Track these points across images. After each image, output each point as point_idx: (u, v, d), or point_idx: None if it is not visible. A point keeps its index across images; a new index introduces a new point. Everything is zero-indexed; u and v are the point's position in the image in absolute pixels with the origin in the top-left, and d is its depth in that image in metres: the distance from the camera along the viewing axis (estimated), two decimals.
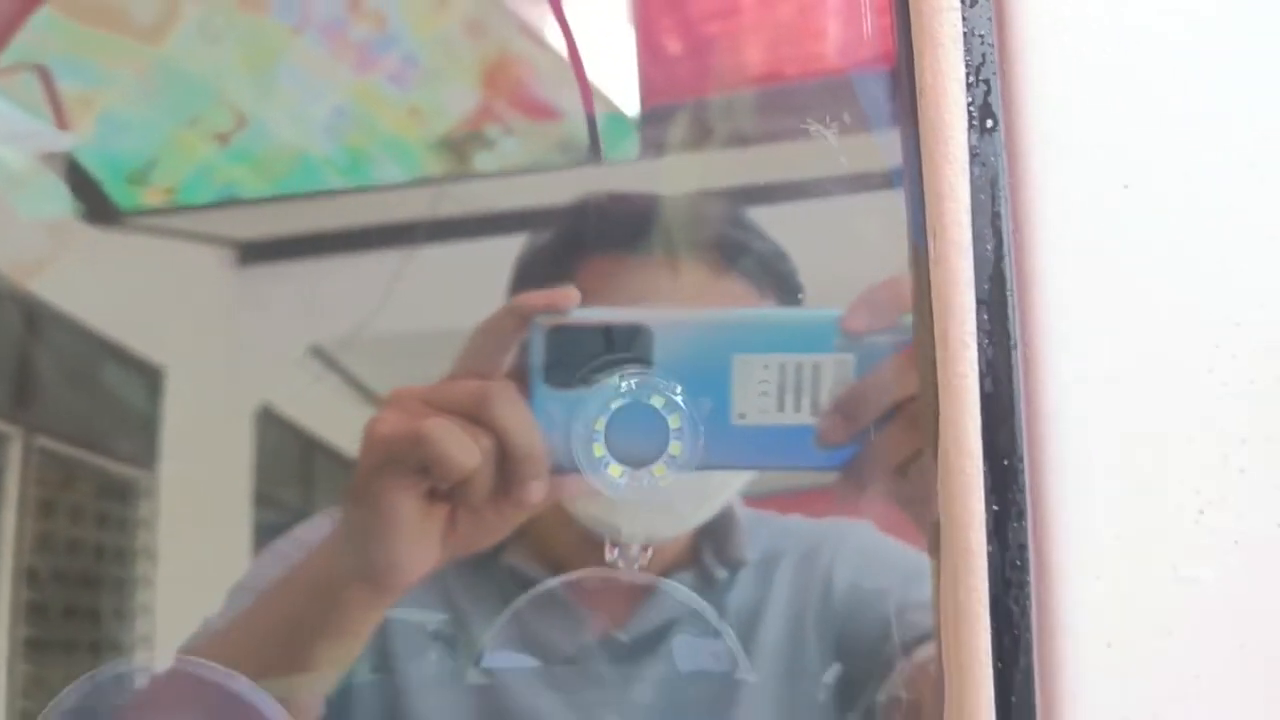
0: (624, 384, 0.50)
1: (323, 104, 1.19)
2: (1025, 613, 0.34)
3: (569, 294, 0.54)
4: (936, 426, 0.35)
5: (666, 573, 0.66)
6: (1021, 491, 0.34)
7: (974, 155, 0.34)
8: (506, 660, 0.58)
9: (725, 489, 0.64)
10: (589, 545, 0.63)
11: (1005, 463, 0.34)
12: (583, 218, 0.77)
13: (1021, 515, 0.34)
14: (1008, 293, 0.34)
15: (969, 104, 0.35)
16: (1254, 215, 0.33)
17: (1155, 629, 0.34)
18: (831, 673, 0.61)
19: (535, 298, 0.55)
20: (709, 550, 0.67)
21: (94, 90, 1.18)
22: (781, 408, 0.49)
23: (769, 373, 0.49)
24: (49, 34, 1.12)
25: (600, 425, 0.49)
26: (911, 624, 0.60)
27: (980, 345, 0.34)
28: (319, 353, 1.06)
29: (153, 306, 1.10)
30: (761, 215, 0.94)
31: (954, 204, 0.34)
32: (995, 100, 0.34)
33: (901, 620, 0.62)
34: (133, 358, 1.11)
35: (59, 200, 1.15)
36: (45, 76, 1.13)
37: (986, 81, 0.34)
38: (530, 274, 0.73)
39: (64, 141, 1.12)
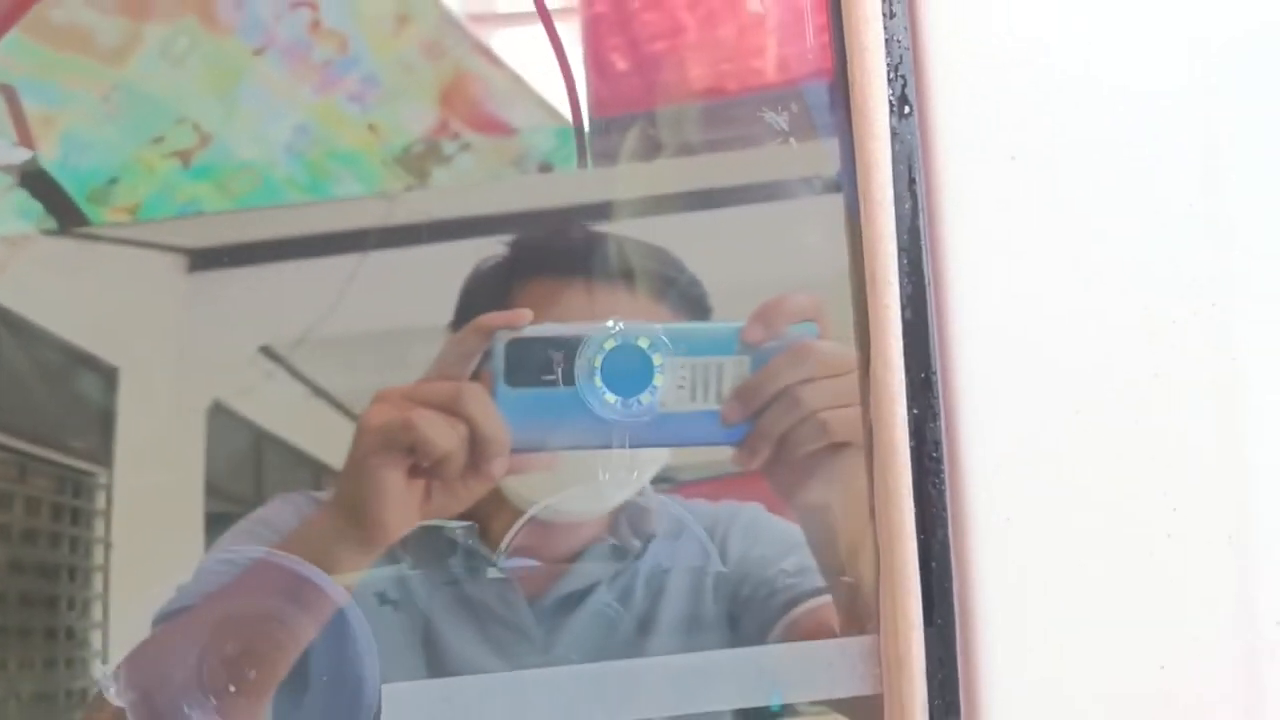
0: (615, 326, 0.64)
1: (284, 123, 1.25)
2: (941, 494, 0.46)
3: (524, 314, 0.70)
4: (868, 351, 0.47)
5: (587, 545, 0.82)
6: (936, 398, 0.46)
7: (894, 135, 0.47)
8: (518, 563, 0.72)
9: (642, 475, 0.80)
10: (516, 520, 0.79)
11: (923, 375, 0.47)
12: (524, 245, 0.91)
13: (936, 417, 0.46)
14: (922, 242, 0.46)
15: (890, 95, 0.47)
16: (1113, 176, 0.46)
17: (1040, 504, 0.46)
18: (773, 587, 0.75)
19: (497, 317, 0.70)
20: (624, 526, 0.83)
21: (57, 110, 1.22)
22: (694, 398, 0.66)
23: (685, 371, 0.66)
24: (16, 56, 1.17)
25: (599, 362, 0.63)
26: (790, 585, 0.77)
27: (901, 283, 0.46)
28: (270, 353, 1.16)
29: (106, 310, 1.18)
30: (708, 219, 1.06)
31: (879, 173, 0.46)
32: (911, 92, 0.47)
33: (783, 582, 0.78)
34: (88, 358, 1.19)
35: (22, 217, 1.20)
36: (11, 97, 1.18)
37: (904, 77, 0.47)
38: (476, 294, 0.88)
39: (18, 156, 1.17)
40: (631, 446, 0.68)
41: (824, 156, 0.75)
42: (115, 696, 0.63)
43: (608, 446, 0.69)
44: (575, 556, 0.84)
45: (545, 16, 0.93)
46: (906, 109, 0.46)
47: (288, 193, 1.27)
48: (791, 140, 0.90)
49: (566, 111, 1.15)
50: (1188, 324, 0.46)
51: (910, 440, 0.47)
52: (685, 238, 1.00)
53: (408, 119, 1.23)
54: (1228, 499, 0.46)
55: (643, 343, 0.64)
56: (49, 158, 1.20)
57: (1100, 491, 0.46)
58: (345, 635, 0.68)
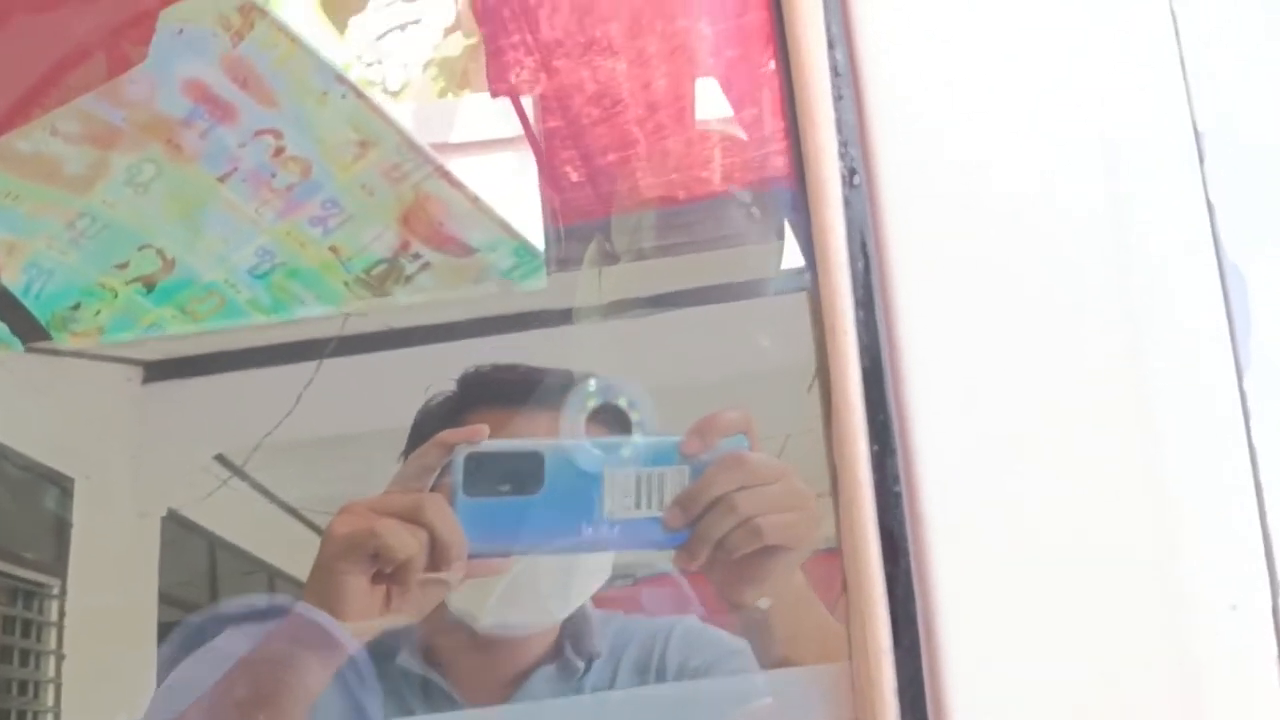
0: (593, 384, 0.70)
1: (247, 247, 1.28)
2: (902, 525, 0.52)
3: (481, 429, 0.75)
4: (829, 399, 0.53)
5: (536, 665, 0.87)
6: (893, 437, 0.52)
7: (846, 203, 0.54)
8: (503, 625, 0.76)
9: (585, 589, 0.86)
10: (466, 646, 0.84)
11: (880, 417, 0.53)
12: (471, 380, 0.96)
13: (894, 454, 0.52)
14: (874, 296, 0.53)
15: (840, 168, 0.54)
16: (1030, 219, 0.53)
17: (993, 531, 0.52)
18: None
19: (456, 433, 0.75)
20: (569, 645, 0.88)
21: (22, 238, 1.25)
22: (638, 505, 0.72)
23: (629, 481, 0.72)
24: None
25: (582, 420, 0.68)
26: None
27: (858, 334, 0.52)
28: (224, 461, 1.20)
29: (62, 421, 1.21)
30: (667, 321, 1.12)
31: (834, 236, 0.53)
32: (859, 165, 0.54)
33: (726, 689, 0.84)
34: (42, 468, 1.22)
35: None
36: None
37: (852, 154, 0.54)
38: (426, 427, 0.93)
39: None
40: (580, 551, 0.74)
41: (777, 257, 0.82)
42: None
43: (560, 551, 0.75)
44: (522, 677, 0.89)
45: (526, 125, 0.99)
46: (856, 179, 0.53)
47: (250, 314, 1.30)
48: (749, 241, 0.97)
49: (529, 222, 1.19)
50: (1113, 360, 0.53)
51: (873, 474, 0.52)
52: (645, 339, 1.06)
53: (369, 240, 1.26)
54: (1165, 527, 0.52)
55: (622, 402, 0.70)
56: (12, 284, 1.23)
57: (1046, 514, 0.52)
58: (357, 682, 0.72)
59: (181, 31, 1.12)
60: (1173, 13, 0.56)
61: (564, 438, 0.69)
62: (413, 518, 0.72)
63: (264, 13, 1.12)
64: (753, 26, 0.93)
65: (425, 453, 0.74)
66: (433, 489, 0.73)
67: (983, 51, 0.56)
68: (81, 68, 1.15)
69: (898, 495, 0.52)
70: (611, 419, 0.81)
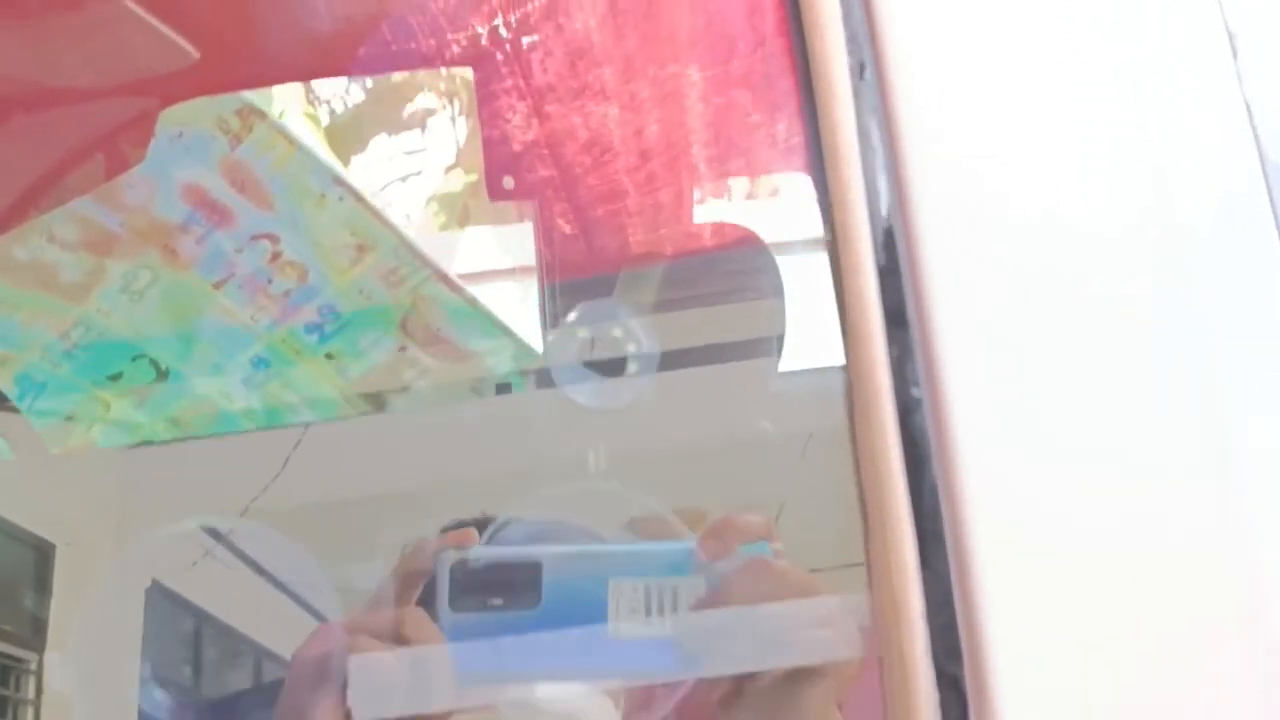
0: (575, 314, 0.63)
1: (242, 356, 1.24)
2: (924, 433, 0.45)
3: (470, 534, 0.66)
4: (842, 298, 0.48)
5: None
6: (913, 339, 0.46)
7: (856, 96, 0.49)
8: None
9: None
10: None
11: (898, 312, 0.47)
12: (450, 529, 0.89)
13: (913, 356, 0.46)
14: (889, 191, 0.48)
15: (849, 63, 0.50)
16: (1056, 115, 0.49)
17: (1020, 446, 0.46)
18: None
19: (441, 539, 0.66)
20: None
21: (13, 351, 1.21)
22: (649, 623, 0.62)
23: (638, 594, 0.63)
24: None
25: (571, 351, 0.61)
26: None
27: (875, 254, 0.47)
28: (211, 530, 1.12)
29: (44, 485, 1.15)
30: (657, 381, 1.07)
31: (844, 132, 0.49)
32: (868, 58, 0.49)
33: None
34: (22, 535, 1.14)
35: None
36: None
37: (860, 47, 0.50)
38: None
39: None
40: (583, 679, 0.65)
41: (767, 318, 0.77)
42: None
43: (556, 678, 0.65)
44: None
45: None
46: (865, 74, 0.49)
47: (242, 423, 1.25)
48: (741, 300, 0.92)
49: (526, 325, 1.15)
50: (1151, 265, 0.48)
51: (891, 382, 0.46)
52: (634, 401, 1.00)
53: (366, 345, 1.22)
54: (1217, 438, 0.46)
55: (616, 333, 0.64)
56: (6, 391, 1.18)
57: (1071, 437, 0.45)
58: None
59: (180, 135, 1.11)
60: None
61: (553, 370, 0.62)
62: (391, 637, 0.63)
63: (263, 115, 1.11)
64: (740, 73, 0.90)
65: (408, 561, 0.65)
66: (417, 603, 0.64)
67: None
68: (80, 169, 1.13)
69: (918, 401, 0.46)
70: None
